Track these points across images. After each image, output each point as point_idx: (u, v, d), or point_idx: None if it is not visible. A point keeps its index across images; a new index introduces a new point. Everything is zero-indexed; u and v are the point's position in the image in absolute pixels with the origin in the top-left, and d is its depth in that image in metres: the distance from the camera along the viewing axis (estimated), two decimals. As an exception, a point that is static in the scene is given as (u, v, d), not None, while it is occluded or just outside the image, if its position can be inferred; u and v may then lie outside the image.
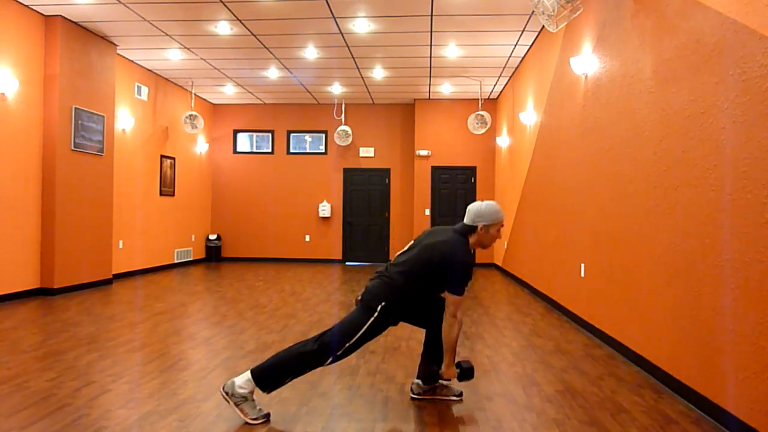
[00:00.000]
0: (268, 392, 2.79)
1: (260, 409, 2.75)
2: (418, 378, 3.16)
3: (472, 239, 2.97)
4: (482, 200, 3.08)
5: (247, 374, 2.74)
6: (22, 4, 6.22)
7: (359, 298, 2.94)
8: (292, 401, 3.02)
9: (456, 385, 3.17)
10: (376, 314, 2.81)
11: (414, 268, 2.90)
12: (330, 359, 2.77)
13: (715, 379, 2.84)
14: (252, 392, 2.75)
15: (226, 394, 2.74)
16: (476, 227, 2.94)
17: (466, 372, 3.00)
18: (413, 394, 3.13)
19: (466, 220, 2.98)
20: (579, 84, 5.27)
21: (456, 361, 3.01)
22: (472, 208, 2.99)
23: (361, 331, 2.80)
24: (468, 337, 4.68)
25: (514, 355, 4.10)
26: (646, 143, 3.71)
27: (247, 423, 2.69)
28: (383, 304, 2.82)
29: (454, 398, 3.09)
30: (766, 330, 2.43)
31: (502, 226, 3.02)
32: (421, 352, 3.19)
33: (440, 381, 3.11)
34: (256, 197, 11.64)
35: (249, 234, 11.62)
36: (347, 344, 2.78)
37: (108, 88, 7.54)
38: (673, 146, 3.33)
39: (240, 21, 6.65)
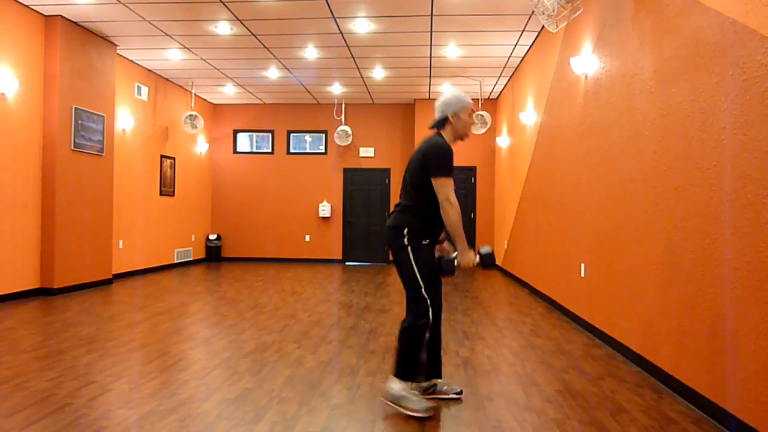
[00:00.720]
0: (419, 381, 2.94)
1: (420, 401, 2.85)
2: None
3: (447, 134, 3.01)
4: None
5: (392, 378, 2.89)
6: (22, 4, 6.22)
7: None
8: (292, 401, 3.02)
9: (453, 383, 3.19)
10: (407, 243, 2.89)
11: (408, 190, 2.99)
12: (427, 312, 2.84)
13: (715, 379, 2.84)
14: (409, 388, 2.88)
15: (388, 401, 2.89)
16: (446, 118, 2.98)
17: (485, 258, 2.92)
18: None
19: (436, 115, 3.03)
20: (579, 84, 5.27)
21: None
22: (436, 102, 3.04)
23: (417, 271, 2.88)
24: (468, 337, 4.68)
25: (514, 355, 4.10)
26: (646, 143, 3.71)
27: (412, 417, 2.78)
28: (405, 229, 2.91)
29: (455, 396, 3.10)
30: (766, 330, 2.43)
31: (473, 110, 3.02)
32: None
33: (439, 379, 3.12)
34: (256, 197, 11.64)
35: (249, 234, 11.62)
36: (422, 290, 2.86)
37: (108, 88, 7.54)
38: (673, 146, 3.33)
39: (240, 21, 6.65)
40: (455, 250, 2.98)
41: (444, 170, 2.86)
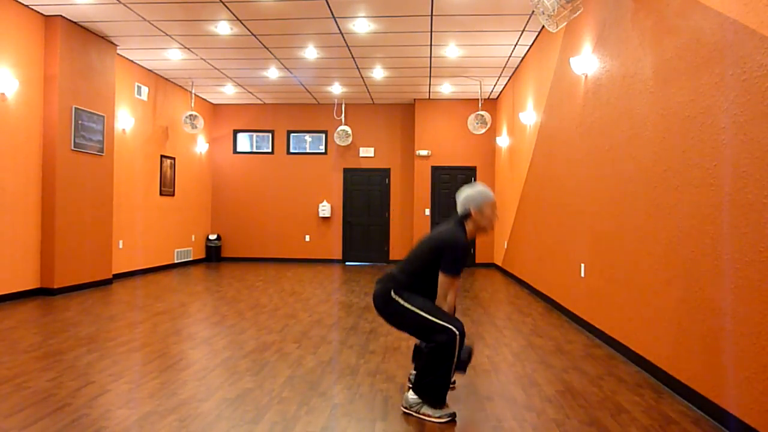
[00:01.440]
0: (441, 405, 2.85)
1: (443, 408, 2.82)
2: (416, 370, 3.20)
3: (469, 226, 2.97)
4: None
5: (411, 393, 2.88)
6: (22, 4, 6.22)
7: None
8: (292, 401, 3.02)
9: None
10: (395, 297, 2.89)
11: (413, 261, 2.96)
12: (455, 336, 2.78)
13: (715, 379, 2.84)
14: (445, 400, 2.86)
15: (405, 408, 2.88)
16: (469, 212, 2.95)
17: (460, 364, 2.90)
18: (410, 382, 3.13)
19: (458, 210, 3.00)
20: (579, 84, 5.27)
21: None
22: (460, 195, 3.02)
23: (419, 310, 2.84)
24: (468, 337, 4.67)
25: (514, 355, 4.10)
26: (646, 143, 3.71)
27: (433, 422, 2.76)
28: (392, 290, 2.90)
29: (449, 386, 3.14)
30: (766, 330, 2.43)
31: (495, 205, 3.00)
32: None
33: None
34: (256, 197, 11.64)
35: (249, 234, 11.62)
36: (438, 322, 2.81)
37: (108, 88, 7.54)
38: (673, 146, 3.33)
39: (240, 21, 6.65)
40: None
41: (454, 270, 2.84)
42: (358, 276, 9.17)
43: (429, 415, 2.80)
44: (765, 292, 2.44)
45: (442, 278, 2.85)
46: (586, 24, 5.07)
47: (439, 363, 2.79)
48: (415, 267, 2.94)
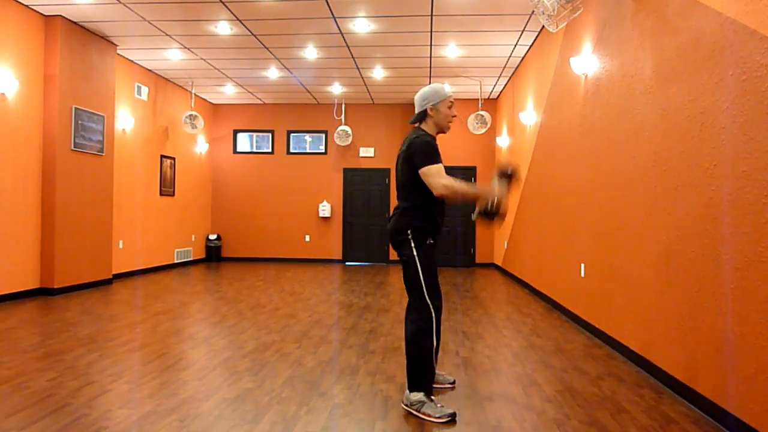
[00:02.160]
0: (431, 393, 2.89)
1: (442, 407, 2.84)
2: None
3: (429, 128, 3.01)
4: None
5: (408, 392, 2.90)
6: (22, 4, 6.22)
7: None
8: (292, 401, 3.02)
9: (445, 373, 3.27)
10: (413, 244, 2.89)
11: (401, 186, 2.99)
12: (430, 318, 2.84)
13: (715, 379, 2.84)
14: (428, 396, 2.87)
15: (406, 406, 2.89)
16: (425, 111, 2.98)
17: (488, 213, 2.79)
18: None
19: (416, 110, 3.03)
20: (579, 84, 5.26)
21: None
22: (415, 96, 3.04)
23: (420, 271, 2.87)
24: (468, 337, 4.68)
25: (514, 355, 4.10)
26: (646, 143, 3.71)
27: (432, 421, 2.76)
28: (408, 231, 2.91)
29: (448, 386, 3.20)
30: (766, 330, 2.43)
31: (452, 101, 2.98)
32: None
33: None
34: (256, 197, 11.64)
35: (249, 234, 11.62)
36: (426, 295, 2.86)
37: (108, 88, 7.54)
38: (673, 146, 3.33)
39: (240, 21, 6.65)
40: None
41: (429, 159, 2.83)
42: (358, 276, 9.17)
43: (429, 415, 2.80)
44: (765, 292, 2.44)
45: (425, 175, 2.81)
46: (586, 24, 5.07)
47: (420, 352, 2.86)
48: (406, 189, 2.96)
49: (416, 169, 2.86)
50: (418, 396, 2.85)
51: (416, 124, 3.07)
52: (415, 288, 2.92)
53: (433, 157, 2.85)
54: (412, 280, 2.93)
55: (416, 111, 3.04)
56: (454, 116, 3.04)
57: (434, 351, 2.90)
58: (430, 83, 9.54)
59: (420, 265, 2.89)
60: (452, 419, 2.78)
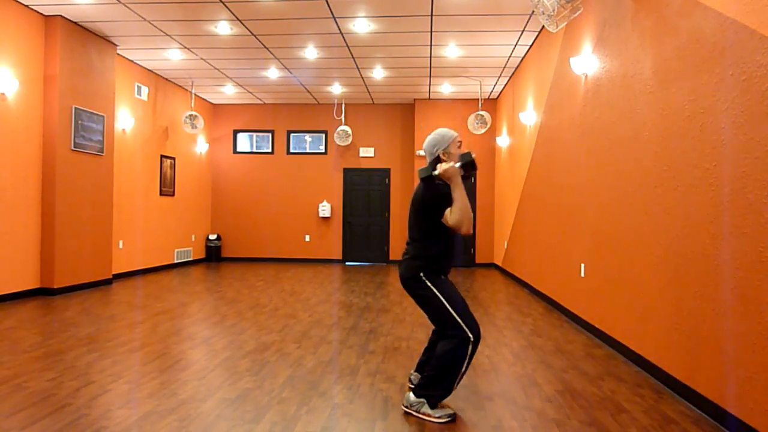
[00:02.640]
0: (434, 407, 2.86)
1: (442, 407, 2.84)
2: (416, 371, 3.23)
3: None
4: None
5: (410, 394, 2.90)
6: (22, 4, 6.22)
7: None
8: (292, 401, 3.02)
9: None
10: (430, 284, 2.89)
11: (414, 228, 3.01)
12: (468, 338, 2.81)
13: (715, 379, 2.84)
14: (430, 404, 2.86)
15: (406, 407, 2.90)
16: (438, 157, 2.98)
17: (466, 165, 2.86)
18: (410, 383, 3.22)
19: (427, 159, 3.03)
20: (579, 84, 5.27)
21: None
22: (425, 146, 3.04)
23: (446, 302, 2.86)
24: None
25: (514, 355, 4.10)
26: (646, 143, 3.71)
27: (432, 422, 2.77)
28: (422, 273, 2.91)
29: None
30: (766, 330, 2.43)
31: (460, 141, 3.00)
32: (425, 348, 3.23)
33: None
34: (256, 197, 11.64)
35: (249, 234, 11.62)
36: (458, 319, 2.84)
37: (108, 88, 7.54)
38: (673, 146, 3.33)
39: (240, 21, 6.65)
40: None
41: (445, 206, 2.85)
42: (358, 276, 9.17)
43: (429, 415, 2.80)
44: (765, 292, 2.44)
45: (447, 220, 2.85)
46: (586, 24, 5.07)
47: (446, 372, 2.81)
48: (420, 231, 2.98)
49: (431, 217, 2.90)
50: (420, 400, 2.85)
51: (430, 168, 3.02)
52: (444, 317, 2.87)
53: (447, 202, 2.86)
54: (439, 312, 2.89)
55: (428, 159, 3.02)
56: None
57: (460, 376, 2.86)
58: (430, 83, 9.62)
59: (442, 296, 2.88)
60: (452, 419, 2.79)
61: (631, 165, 3.95)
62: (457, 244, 3.11)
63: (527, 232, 7.69)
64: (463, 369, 2.84)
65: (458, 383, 2.87)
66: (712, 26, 2.89)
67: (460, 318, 2.83)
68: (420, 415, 2.82)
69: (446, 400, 3.04)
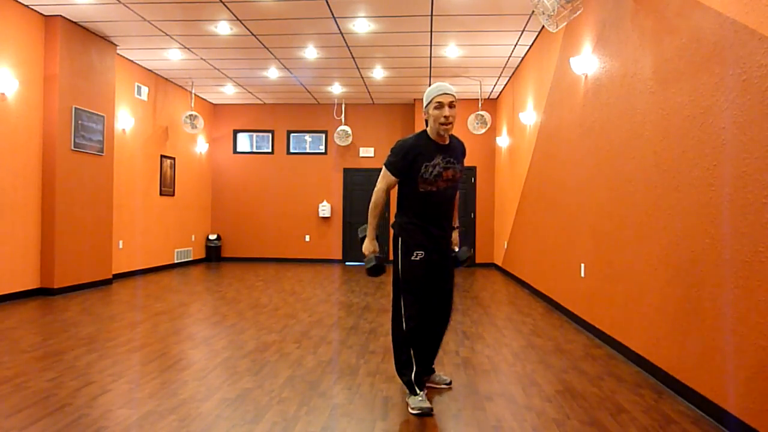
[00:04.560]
0: (413, 392, 2.92)
1: (421, 400, 2.87)
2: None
3: (430, 131, 3.01)
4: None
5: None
6: (22, 4, 6.22)
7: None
8: (292, 401, 3.02)
9: (441, 372, 3.36)
10: (399, 252, 2.95)
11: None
12: (400, 325, 2.90)
13: (715, 379, 2.84)
14: (418, 389, 2.93)
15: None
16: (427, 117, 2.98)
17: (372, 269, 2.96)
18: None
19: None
20: (579, 84, 5.27)
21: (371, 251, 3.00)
22: None
23: (400, 277, 2.93)
24: (468, 337, 4.68)
25: (514, 355, 4.10)
26: (646, 143, 3.71)
27: (410, 411, 2.84)
28: (399, 238, 2.98)
29: (444, 386, 3.22)
30: (766, 330, 2.43)
31: (440, 101, 2.87)
32: None
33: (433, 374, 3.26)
34: (256, 197, 11.64)
35: (249, 234, 11.62)
36: (401, 303, 2.92)
37: (108, 88, 7.54)
38: (673, 146, 3.33)
39: (240, 21, 6.65)
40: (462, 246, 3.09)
41: (388, 158, 2.93)
42: (358, 276, 9.17)
43: (408, 404, 2.88)
44: (765, 292, 2.44)
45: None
46: (586, 24, 5.07)
47: (396, 352, 2.99)
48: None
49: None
50: (406, 391, 2.98)
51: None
52: (394, 296, 2.97)
53: (389, 161, 2.91)
54: (394, 286, 3.01)
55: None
56: (446, 117, 2.87)
57: (402, 365, 2.93)
58: (430, 83, 9.61)
59: (401, 271, 2.95)
60: (424, 413, 2.81)
61: (631, 165, 3.95)
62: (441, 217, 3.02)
63: (527, 232, 7.69)
64: (404, 357, 2.92)
65: (411, 377, 2.91)
66: (712, 26, 2.89)
67: (403, 303, 2.92)
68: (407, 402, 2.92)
69: (446, 400, 3.04)
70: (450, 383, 3.30)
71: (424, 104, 2.96)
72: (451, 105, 2.88)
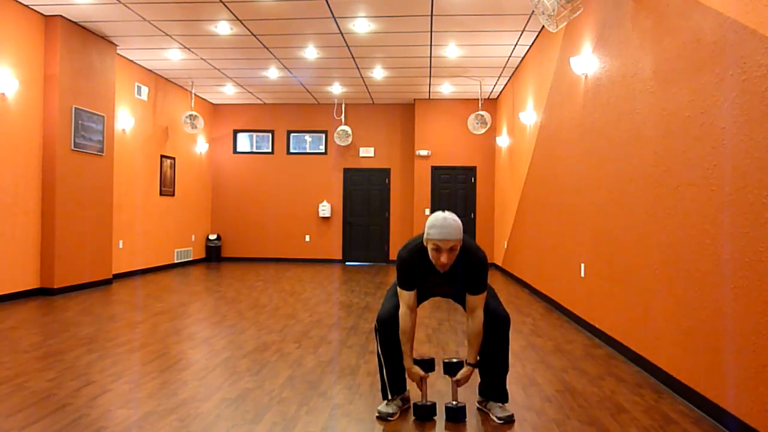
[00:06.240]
0: (384, 396, 2.90)
1: (387, 404, 2.85)
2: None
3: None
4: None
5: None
6: (22, 4, 6.22)
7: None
8: (292, 401, 3.02)
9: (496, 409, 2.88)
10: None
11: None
12: (375, 326, 2.90)
13: (715, 379, 2.84)
14: (390, 393, 2.88)
15: None
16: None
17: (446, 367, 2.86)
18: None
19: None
20: (579, 84, 5.26)
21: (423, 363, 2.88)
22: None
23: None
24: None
25: (514, 355, 4.10)
26: (646, 143, 3.71)
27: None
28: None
29: (495, 419, 2.79)
30: (766, 330, 2.43)
31: (437, 247, 2.60)
32: None
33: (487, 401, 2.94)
34: (256, 197, 11.64)
35: (249, 234, 11.62)
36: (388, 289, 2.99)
37: (108, 88, 7.54)
38: (673, 146, 3.33)
39: (240, 21, 6.65)
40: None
41: (398, 284, 2.84)
42: (358, 276, 9.17)
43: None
44: (765, 292, 2.44)
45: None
46: (586, 24, 5.07)
47: (380, 357, 2.94)
48: None
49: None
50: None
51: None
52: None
53: (401, 280, 2.80)
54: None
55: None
56: (443, 264, 2.63)
57: (384, 355, 2.85)
58: (430, 83, 9.63)
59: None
60: (381, 417, 2.77)
61: (631, 165, 3.95)
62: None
63: (527, 232, 7.69)
64: (378, 351, 2.90)
65: (384, 377, 2.88)
66: (712, 26, 2.89)
67: (384, 300, 2.97)
68: None
69: (445, 399, 3.03)
70: (505, 421, 2.76)
71: (425, 234, 2.67)
72: (451, 249, 2.61)
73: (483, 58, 8.09)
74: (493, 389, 2.86)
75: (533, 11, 4.48)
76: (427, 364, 2.85)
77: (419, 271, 2.77)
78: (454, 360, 2.85)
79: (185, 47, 7.75)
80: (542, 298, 6.67)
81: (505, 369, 2.87)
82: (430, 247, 2.65)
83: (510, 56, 7.94)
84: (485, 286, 2.78)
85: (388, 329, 2.81)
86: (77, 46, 6.88)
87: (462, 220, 2.83)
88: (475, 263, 2.74)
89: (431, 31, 6.94)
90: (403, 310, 2.78)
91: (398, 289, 2.82)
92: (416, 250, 2.76)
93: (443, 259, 2.61)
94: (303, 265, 10.78)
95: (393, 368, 2.86)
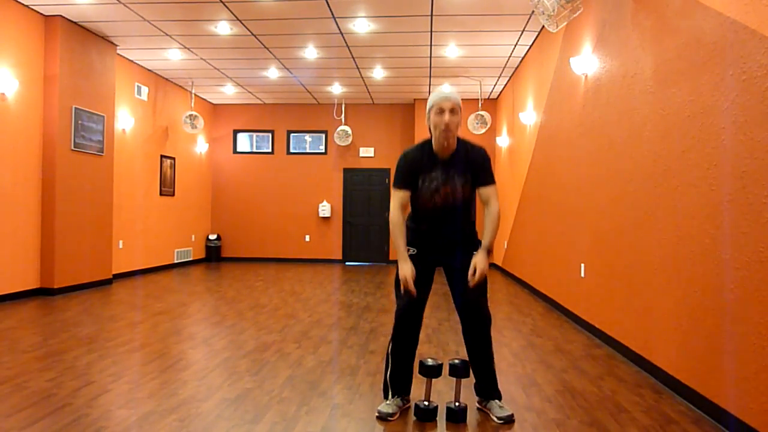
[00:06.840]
0: (386, 395, 2.93)
1: (388, 404, 2.83)
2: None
3: (433, 139, 2.86)
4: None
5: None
6: (22, 4, 6.22)
7: None
8: (292, 401, 3.02)
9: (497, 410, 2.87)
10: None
11: None
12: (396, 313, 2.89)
13: (715, 379, 2.84)
14: (391, 395, 2.89)
15: None
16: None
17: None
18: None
19: None
20: (579, 84, 5.26)
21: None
22: None
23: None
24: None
25: (514, 355, 4.10)
26: (646, 143, 3.71)
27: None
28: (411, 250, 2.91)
29: (496, 419, 2.79)
30: (766, 330, 2.43)
31: (440, 109, 2.71)
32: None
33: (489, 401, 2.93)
34: (256, 197, 11.64)
35: (249, 234, 11.62)
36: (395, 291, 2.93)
37: (108, 88, 7.54)
38: (673, 146, 3.33)
39: (240, 21, 6.65)
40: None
41: (394, 182, 2.90)
42: (358, 276, 9.17)
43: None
44: (765, 292, 2.44)
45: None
46: (586, 24, 5.07)
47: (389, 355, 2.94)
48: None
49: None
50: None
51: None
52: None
53: (396, 180, 2.86)
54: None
55: None
56: (447, 123, 2.69)
57: (394, 354, 2.87)
58: (430, 83, 9.62)
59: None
60: (381, 417, 2.77)
61: (631, 165, 3.95)
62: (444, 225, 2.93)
63: (527, 231, 7.69)
64: (389, 348, 2.90)
65: (385, 376, 2.90)
66: (712, 26, 2.89)
67: (396, 292, 2.92)
68: None
69: (446, 399, 3.03)
70: (505, 421, 2.76)
71: (427, 111, 2.81)
72: (452, 111, 2.70)
73: (483, 58, 8.09)
74: (486, 385, 2.92)
75: (533, 11, 4.48)
76: (435, 370, 2.86)
77: (419, 164, 2.83)
78: (457, 361, 2.89)
79: (185, 47, 7.75)
80: (542, 298, 6.66)
81: (492, 362, 3.00)
82: (433, 114, 2.76)
83: (510, 56, 7.94)
84: (492, 177, 2.88)
85: (400, 326, 2.85)
86: (77, 46, 6.88)
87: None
88: (477, 153, 2.86)
89: (431, 31, 6.94)
90: (393, 206, 2.85)
91: (392, 190, 2.86)
92: (418, 145, 2.91)
93: (446, 118, 2.71)
94: (303, 265, 10.78)
95: (399, 368, 2.88)
